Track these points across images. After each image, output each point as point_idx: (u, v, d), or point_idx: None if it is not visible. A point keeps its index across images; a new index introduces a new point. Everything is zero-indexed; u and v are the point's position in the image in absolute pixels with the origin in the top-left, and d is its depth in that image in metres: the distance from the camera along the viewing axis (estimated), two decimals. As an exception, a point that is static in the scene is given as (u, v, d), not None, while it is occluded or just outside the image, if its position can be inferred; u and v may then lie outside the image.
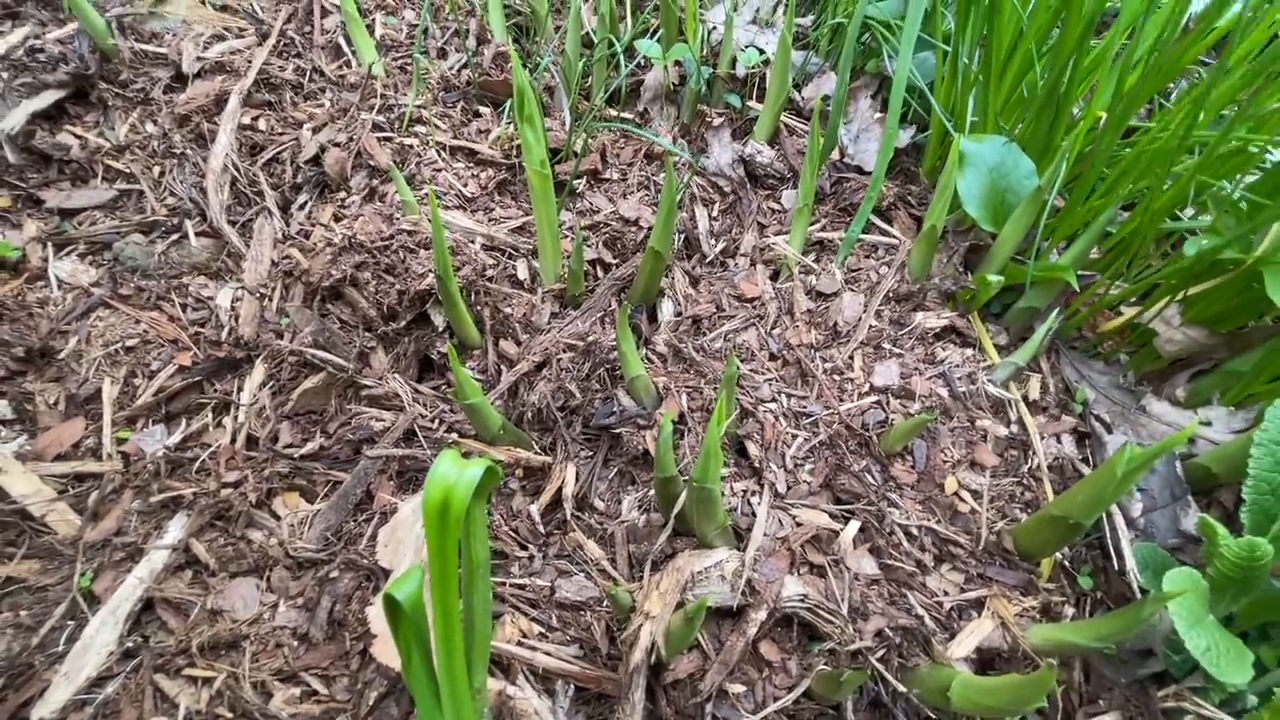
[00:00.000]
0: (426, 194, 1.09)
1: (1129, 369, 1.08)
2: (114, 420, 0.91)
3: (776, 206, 1.24)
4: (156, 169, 1.13)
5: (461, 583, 0.52)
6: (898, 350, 0.90)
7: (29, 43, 1.19)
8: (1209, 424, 0.99)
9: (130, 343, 0.97)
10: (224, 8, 1.34)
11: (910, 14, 0.79)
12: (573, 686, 0.72)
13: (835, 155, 1.27)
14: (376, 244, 0.92)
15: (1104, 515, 0.85)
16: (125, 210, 1.10)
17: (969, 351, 0.92)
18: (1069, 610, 0.81)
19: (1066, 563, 0.84)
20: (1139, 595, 0.81)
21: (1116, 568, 0.81)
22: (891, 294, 0.96)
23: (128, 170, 1.12)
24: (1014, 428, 0.90)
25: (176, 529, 0.81)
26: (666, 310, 1.04)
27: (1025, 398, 0.94)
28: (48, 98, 1.13)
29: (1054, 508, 0.73)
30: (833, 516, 0.80)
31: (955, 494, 0.83)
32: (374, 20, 1.37)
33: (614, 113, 1.35)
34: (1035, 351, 0.90)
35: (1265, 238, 0.89)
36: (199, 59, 1.22)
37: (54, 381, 0.94)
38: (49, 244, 1.05)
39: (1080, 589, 0.84)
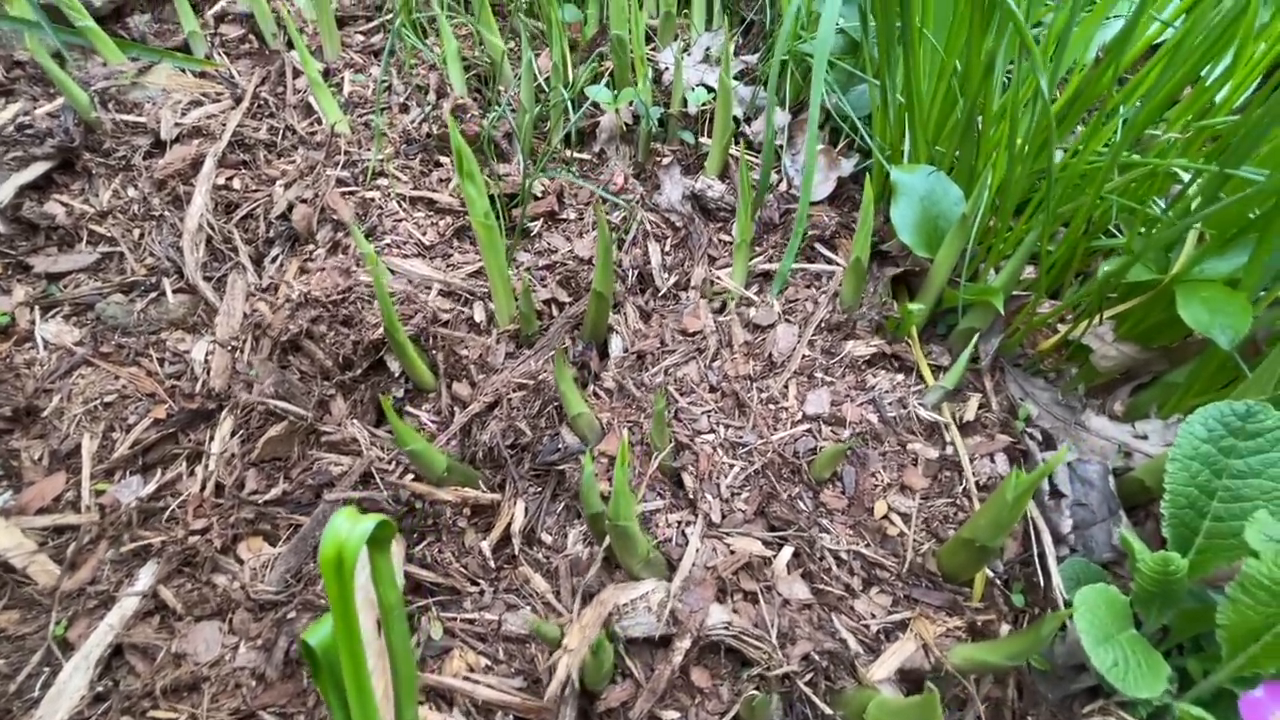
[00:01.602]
0: (385, 245, 1.15)
1: (1076, 383, 1.10)
2: (93, 474, 0.97)
3: (727, 238, 1.29)
4: (136, 231, 1.20)
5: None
6: (829, 379, 0.94)
7: (19, 119, 1.27)
8: (1145, 437, 1.01)
9: (109, 399, 1.03)
10: (202, 74, 1.42)
11: (817, 57, 0.83)
12: (513, 717, 0.75)
13: (784, 187, 1.31)
14: (333, 297, 0.97)
15: (1032, 532, 0.87)
16: (107, 272, 1.17)
17: (900, 377, 0.95)
18: (1005, 628, 0.84)
19: (1000, 581, 0.86)
20: (1068, 611, 0.83)
21: (1044, 585, 0.83)
22: (824, 323, 0.99)
23: (110, 234, 1.19)
24: (948, 449, 0.93)
25: (146, 576, 0.86)
26: (616, 346, 1.08)
27: (959, 419, 0.97)
28: (36, 170, 1.21)
29: (965, 531, 0.75)
30: (766, 544, 0.83)
31: (885, 518, 0.85)
32: (343, 78, 1.44)
33: (571, 154, 1.41)
34: (961, 376, 0.93)
35: (1180, 257, 0.92)
36: (177, 125, 1.30)
37: (38, 439, 1.00)
38: (36, 307, 1.12)
39: (1016, 607, 0.86)
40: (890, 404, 0.92)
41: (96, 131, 1.27)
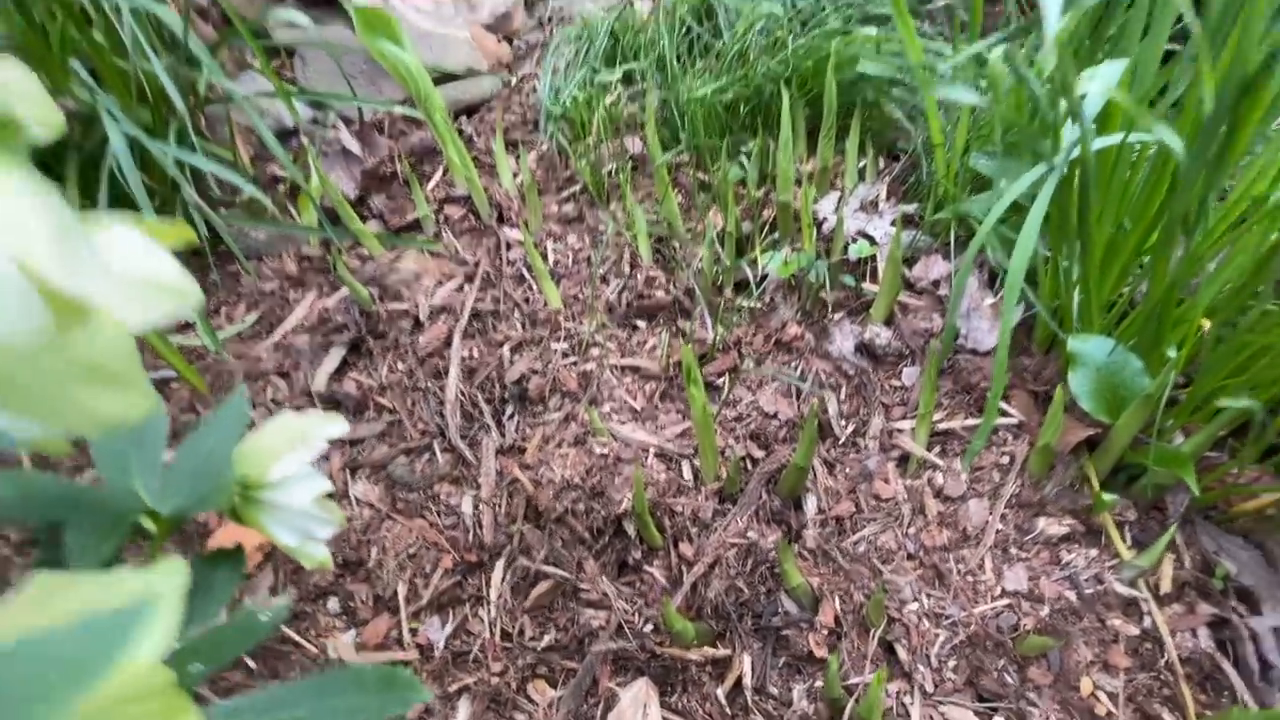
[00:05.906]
0: (605, 412, 1.39)
1: (1274, 532, 1.12)
2: (407, 615, 1.26)
3: (898, 383, 1.41)
4: (409, 401, 1.52)
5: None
6: (1024, 555, 1.04)
7: (317, 310, 1.64)
8: (1361, 610, 1.02)
9: (412, 550, 1.32)
10: (435, 254, 1.75)
11: (1008, 293, 0.96)
12: None
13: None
14: (586, 479, 1.21)
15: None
16: (392, 437, 1.49)
17: (1093, 552, 1.04)
18: (1220, 804, 0.90)
19: (1212, 758, 0.92)
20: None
21: (1262, 771, 0.89)
22: (1014, 499, 1.10)
23: (390, 405, 1.51)
24: (1146, 621, 1.01)
25: (464, 712, 1.12)
26: (810, 504, 1.24)
27: (1156, 588, 1.04)
28: (336, 356, 1.57)
29: (1181, 734, 0.84)
30: (977, 715, 0.95)
31: (1091, 694, 0.95)
32: (545, 248, 1.72)
33: (744, 303, 1.59)
34: (1159, 555, 1.00)
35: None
36: (430, 306, 1.62)
37: (364, 582, 1.31)
38: (348, 470, 1.45)
39: (1230, 783, 0.92)
40: (1086, 580, 1.01)
41: (373, 317, 1.61)
